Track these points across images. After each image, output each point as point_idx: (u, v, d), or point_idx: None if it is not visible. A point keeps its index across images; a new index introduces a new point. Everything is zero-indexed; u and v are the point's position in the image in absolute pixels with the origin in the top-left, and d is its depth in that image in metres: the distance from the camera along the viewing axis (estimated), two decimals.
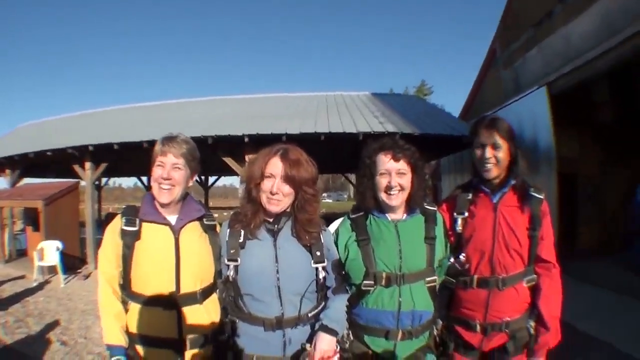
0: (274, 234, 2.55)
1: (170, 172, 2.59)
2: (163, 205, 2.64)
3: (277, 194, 2.45)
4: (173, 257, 2.55)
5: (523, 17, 14.22)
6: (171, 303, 2.52)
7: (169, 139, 2.64)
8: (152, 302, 2.51)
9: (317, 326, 2.48)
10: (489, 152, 2.84)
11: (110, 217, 30.56)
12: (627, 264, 11.54)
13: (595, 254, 13.00)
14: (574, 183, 13.72)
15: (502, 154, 2.85)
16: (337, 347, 2.43)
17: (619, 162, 13.73)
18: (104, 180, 27.78)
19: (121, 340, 2.49)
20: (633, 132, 12.63)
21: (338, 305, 2.61)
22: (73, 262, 13.43)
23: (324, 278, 2.58)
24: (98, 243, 12.70)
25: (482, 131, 2.90)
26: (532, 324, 2.87)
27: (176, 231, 2.61)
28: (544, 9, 12.74)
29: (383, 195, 2.70)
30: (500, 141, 2.84)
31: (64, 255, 12.17)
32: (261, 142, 11.05)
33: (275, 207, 2.48)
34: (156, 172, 2.60)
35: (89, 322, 7.96)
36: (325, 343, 2.37)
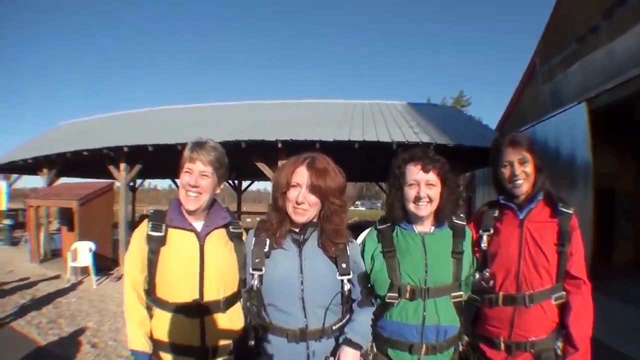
0: (300, 244, 2.53)
1: (198, 179, 2.60)
2: (189, 212, 2.64)
3: (303, 203, 2.44)
4: (197, 264, 2.56)
5: (566, 32, 14.09)
6: (195, 311, 2.52)
7: (198, 145, 2.65)
8: (176, 309, 2.52)
9: (341, 339, 2.46)
10: (518, 168, 2.82)
11: (143, 218, 31.11)
12: None
13: (632, 271, 12.85)
14: (611, 199, 13.60)
15: (529, 169, 2.83)
16: None
17: None
18: (138, 181, 28.05)
19: (145, 346, 2.49)
20: None
21: (363, 318, 2.59)
22: (105, 264, 13.55)
23: (349, 290, 2.56)
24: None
25: (506, 149, 2.87)
26: (560, 344, 2.80)
27: (202, 238, 2.62)
28: (589, 24, 12.63)
29: (411, 206, 2.69)
30: (527, 156, 2.82)
31: (96, 256, 12.30)
32: (294, 148, 11.05)
33: (300, 218, 2.47)
34: (184, 178, 2.61)
35: (119, 325, 8.02)
36: (349, 357, 2.36)
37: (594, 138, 10.78)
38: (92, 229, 13.40)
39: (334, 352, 2.44)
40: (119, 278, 12.56)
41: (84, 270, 12.43)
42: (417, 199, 2.65)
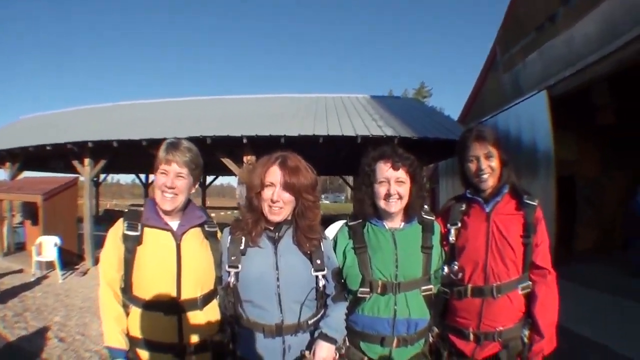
0: (275, 241, 2.57)
1: (174, 180, 2.62)
2: (166, 213, 2.66)
3: (278, 201, 2.48)
4: (174, 262, 2.57)
5: (525, 21, 14.22)
6: (172, 308, 2.54)
7: (173, 147, 2.66)
8: (153, 307, 2.53)
9: (316, 334, 2.50)
10: (483, 162, 2.88)
11: (108, 213, 30.63)
12: (624, 266, 11.63)
13: (593, 256, 13.11)
14: (572, 185, 13.80)
15: (495, 162, 2.89)
16: (336, 355, 2.46)
17: (618, 165, 13.84)
18: (102, 176, 27.82)
19: (122, 343, 2.50)
20: (632, 135, 12.71)
21: (337, 313, 2.63)
22: (71, 258, 13.42)
23: (324, 286, 2.60)
24: (96, 240, 12.76)
25: (472, 144, 2.93)
26: (526, 332, 2.86)
27: (178, 237, 2.63)
28: (547, 12, 12.76)
29: (382, 203, 2.73)
30: (492, 150, 2.88)
31: (61, 251, 12.18)
32: (259, 144, 11.21)
33: (276, 217, 2.52)
34: (160, 179, 2.62)
35: (86, 320, 7.97)
36: (324, 351, 2.40)
37: (555, 125, 10.94)
38: (57, 224, 13.28)
39: (309, 346, 2.48)
40: (85, 273, 12.53)
41: (49, 265, 12.26)
42: (387, 196, 2.70)
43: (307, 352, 2.41)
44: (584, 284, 9.87)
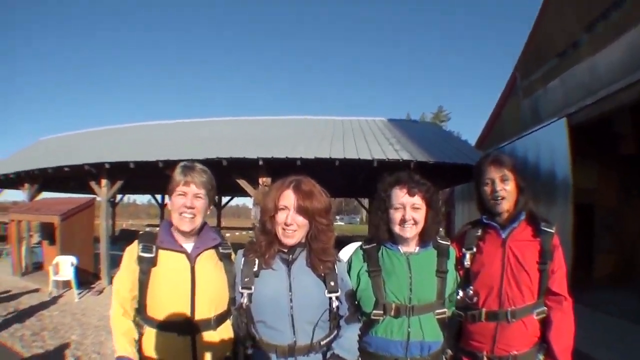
0: (289, 263, 2.57)
1: (193, 201, 2.63)
2: (184, 234, 2.67)
3: (292, 224, 2.48)
4: (189, 284, 2.57)
5: (547, 47, 14.23)
6: (186, 329, 2.53)
7: (190, 169, 2.68)
8: (167, 327, 2.53)
9: (328, 354, 2.48)
10: (498, 185, 2.87)
11: (124, 232, 30.80)
12: None
13: (613, 284, 12.95)
14: (591, 213, 13.69)
15: (510, 187, 2.87)
16: None
17: (638, 193, 13.68)
18: (118, 196, 27.99)
19: (129, 353, 2.49)
20: None
21: (350, 334, 2.61)
22: (87, 278, 13.59)
23: (337, 307, 2.59)
24: (112, 259, 12.83)
25: (488, 167, 2.93)
26: (541, 358, 2.84)
27: (192, 259, 2.63)
28: (570, 39, 12.75)
29: (397, 228, 2.72)
30: (508, 174, 2.87)
31: (78, 270, 12.32)
32: (275, 165, 11.23)
33: (290, 240, 2.52)
34: (177, 201, 2.63)
35: (102, 338, 8.07)
36: None
37: (574, 153, 10.87)
38: (74, 244, 13.48)
39: None
40: (100, 292, 12.66)
41: (66, 284, 12.43)
42: (403, 222, 2.69)
43: None
44: (603, 310, 9.80)
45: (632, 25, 9.98)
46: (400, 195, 2.73)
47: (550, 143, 11.94)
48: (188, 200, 2.61)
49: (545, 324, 2.85)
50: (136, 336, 2.58)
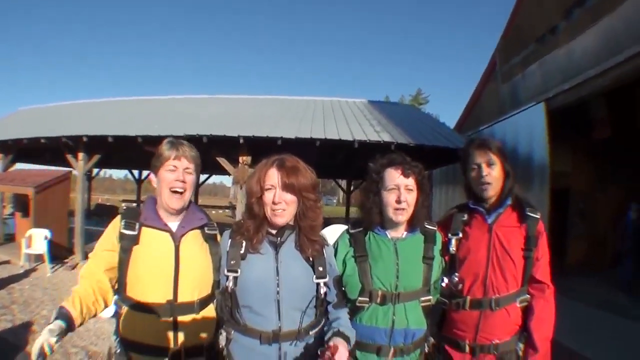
0: (277, 246, 2.53)
1: (185, 175, 2.60)
2: (174, 212, 2.63)
3: (280, 203, 2.44)
4: (172, 265, 2.53)
5: (526, 32, 14.29)
6: (168, 311, 2.49)
7: (179, 144, 2.65)
8: (148, 309, 2.48)
9: (330, 333, 2.42)
10: (484, 170, 2.86)
11: (100, 207, 30.59)
12: (614, 282, 11.74)
13: (584, 270, 13.16)
14: (566, 198, 13.84)
15: (497, 171, 2.87)
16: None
17: (612, 179, 13.88)
18: (95, 170, 27.76)
19: (72, 310, 2.33)
20: (627, 150, 12.78)
21: (346, 317, 2.60)
22: (60, 252, 13.41)
23: (325, 294, 2.57)
24: (86, 234, 12.73)
25: (475, 151, 2.93)
26: (521, 346, 2.85)
27: (177, 239, 2.59)
28: (548, 24, 12.82)
29: (390, 211, 2.69)
30: (494, 159, 2.87)
31: (51, 244, 12.18)
32: (256, 144, 11.19)
33: (280, 219, 2.48)
34: (168, 176, 2.59)
35: None
36: (343, 346, 2.30)
37: (551, 137, 10.95)
38: (48, 217, 13.28)
39: (306, 354, 2.46)
40: (74, 267, 12.56)
41: (38, 258, 12.30)
42: (398, 203, 2.66)
43: (326, 351, 2.26)
44: (574, 297, 9.92)
45: (608, 12, 10.08)
46: (395, 176, 2.70)
47: (529, 127, 12.08)
48: (180, 174, 2.58)
49: (526, 312, 2.87)
50: (89, 299, 2.45)
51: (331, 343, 2.25)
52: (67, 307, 2.32)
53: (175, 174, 2.58)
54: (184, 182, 2.58)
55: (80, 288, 2.47)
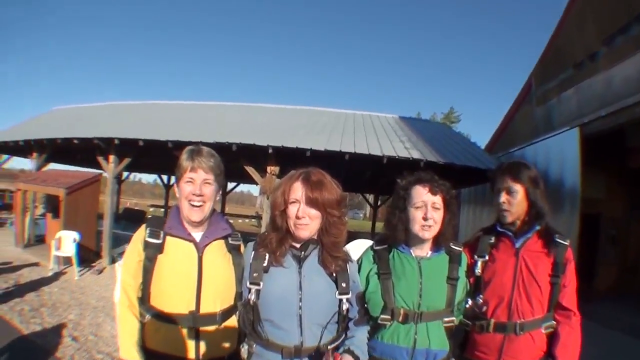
0: (300, 260, 2.50)
1: (202, 188, 2.57)
2: (193, 224, 2.61)
3: (303, 217, 2.41)
4: (195, 275, 2.53)
5: (564, 56, 14.24)
6: (190, 322, 2.49)
7: (197, 153, 2.60)
8: (171, 319, 2.49)
9: (342, 349, 2.41)
10: (503, 197, 2.87)
11: (127, 212, 30.79)
12: None
13: (613, 296, 12.95)
14: (596, 224, 13.72)
15: (518, 199, 2.85)
16: None
17: None
18: (124, 174, 27.97)
19: (134, 357, 2.46)
20: None
21: (362, 335, 2.56)
22: (88, 255, 13.50)
23: (347, 310, 2.53)
24: (114, 239, 12.81)
25: (499, 177, 2.93)
26: None
27: (200, 249, 2.58)
28: (588, 50, 12.77)
29: (416, 228, 2.65)
30: (515, 186, 2.85)
31: (80, 247, 12.25)
32: (285, 155, 11.23)
33: (304, 232, 2.44)
34: (186, 188, 2.57)
35: (99, 320, 8.04)
36: None
37: (584, 163, 10.86)
38: (77, 219, 13.38)
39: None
40: (101, 271, 12.60)
41: (67, 260, 12.34)
42: (425, 220, 2.63)
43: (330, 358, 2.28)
44: (604, 323, 9.81)
45: None
46: (422, 193, 2.67)
47: (561, 151, 11.98)
48: (197, 188, 2.55)
49: (552, 338, 2.82)
50: (139, 335, 2.53)
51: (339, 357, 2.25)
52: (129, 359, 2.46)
53: (192, 186, 2.56)
54: (201, 195, 2.56)
55: (128, 321, 2.53)
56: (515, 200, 2.83)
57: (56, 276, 11.58)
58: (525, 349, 2.77)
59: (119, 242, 14.16)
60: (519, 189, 2.84)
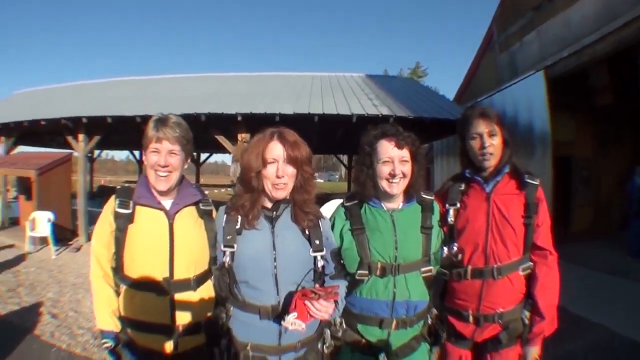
0: (272, 220, 2.51)
1: (167, 158, 2.55)
2: (161, 193, 2.61)
3: (283, 176, 2.42)
4: (167, 243, 2.53)
5: (522, 1, 14.18)
6: (164, 289, 2.51)
7: (162, 123, 2.58)
8: (145, 287, 2.50)
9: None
10: (487, 140, 2.81)
11: (102, 189, 30.58)
12: (621, 246, 11.70)
13: (590, 236, 13.15)
14: (568, 166, 13.80)
15: (498, 141, 2.83)
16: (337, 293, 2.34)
17: (616, 145, 13.85)
18: (96, 152, 27.78)
19: (112, 326, 2.50)
20: (629, 115, 12.82)
21: (342, 288, 2.55)
22: (64, 234, 13.44)
23: (323, 267, 2.55)
24: (90, 216, 12.75)
25: (476, 121, 2.86)
26: (527, 314, 2.84)
27: (171, 216, 2.59)
28: None
29: (384, 183, 2.66)
30: (496, 128, 2.82)
31: (55, 227, 12.20)
32: (254, 122, 11.16)
33: (281, 193, 2.46)
34: (151, 158, 2.56)
35: (79, 296, 8.00)
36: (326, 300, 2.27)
37: (552, 106, 10.93)
38: (50, 199, 13.29)
39: (316, 322, 2.49)
40: (78, 249, 12.57)
41: (43, 240, 12.32)
42: (392, 176, 2.62)
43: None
44: (581, 264, 9.96)
45: None
46: (388, 148, 2.65)
47: (528, 96, 12.05)
48: (162, 158, 2.54)
49: (530, 279, 2.85)
50: (116, 304, 2.56)
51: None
52: (107, 329, 2.54)
53: (158, 156, 2.55)
54: (166, 165, 2.54)
55: (103, 291, 2.59)
56: (496, 143, 2.81)
57: (33, 256, 11.54)
58: (504, 293, 2.80)
59: (96, 219, 13.94)
60: (498, 130, 2.82)
